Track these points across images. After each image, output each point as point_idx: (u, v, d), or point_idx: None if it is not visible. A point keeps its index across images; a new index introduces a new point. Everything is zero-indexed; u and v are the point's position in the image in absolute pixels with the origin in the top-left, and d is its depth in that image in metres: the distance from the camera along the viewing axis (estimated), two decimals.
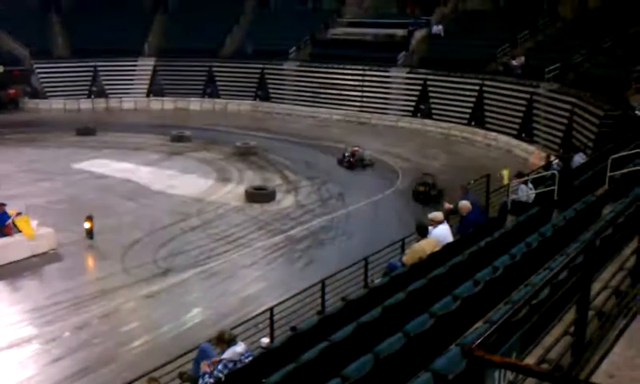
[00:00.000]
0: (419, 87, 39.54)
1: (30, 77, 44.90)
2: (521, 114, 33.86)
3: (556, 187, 12.83)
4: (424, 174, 26.22)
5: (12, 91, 43.69)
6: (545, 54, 35.68)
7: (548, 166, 21.68)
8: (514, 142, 33.07)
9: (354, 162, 29.76)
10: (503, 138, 33.88)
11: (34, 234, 19.32)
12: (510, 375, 3.62)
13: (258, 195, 24.79)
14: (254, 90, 45.36)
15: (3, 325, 15.12)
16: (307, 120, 41.30)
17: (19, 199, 22.83)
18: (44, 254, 19.22)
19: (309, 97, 43.08)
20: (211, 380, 7.73)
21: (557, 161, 20.46)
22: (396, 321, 7.00)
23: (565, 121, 30.07)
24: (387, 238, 15.20)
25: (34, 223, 19.96)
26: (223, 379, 7.54)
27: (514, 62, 36.23)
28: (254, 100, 45.20)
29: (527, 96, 33.57)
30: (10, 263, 18.40)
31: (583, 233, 8.02)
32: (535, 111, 32.97)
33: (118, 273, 18.19)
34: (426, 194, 24.54)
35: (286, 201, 25.01)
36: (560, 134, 30.23)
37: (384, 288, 9.10)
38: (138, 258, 19.18)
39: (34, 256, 18.96)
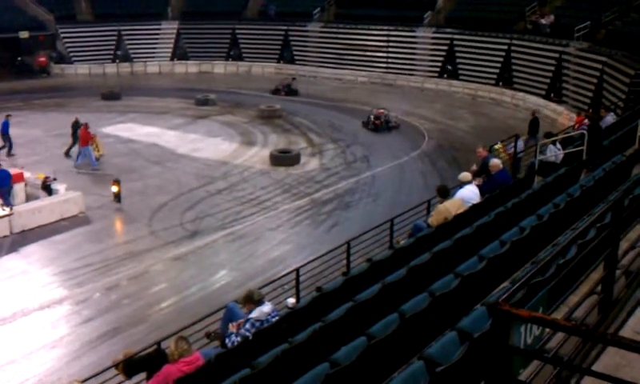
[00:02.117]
0: (446, 47, 38.94)
1: (55, 42, 45.04)
2: (550, 74, 33.24)
3: (585, 147, 12.62)
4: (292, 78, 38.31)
5: (42, 59, 43.65)
6: (575, 11, 34.83)
7: (534, 121, 23.28)
8: (542, 102, 32.50)
9: (379, 124, 29.56)
10: (531, 99, 33.30)
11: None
12: (536, 331, 3.60)
13: (283, 158, 24.81)
14: (277, 52, 45.10)
15: (35, 286, 15.47)
16: (332, 82, 41.02)
17: (47, 164, 23.30)
18: (73, 217, 19.52)
19: (333, 58, 42.72)
20: (238, 338, 7.82)
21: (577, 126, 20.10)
22: (422, 279, 7.01)
23: (595, 80, 29.48)
24: (413, 200, 15.14)
25: (62, 187, 20.29)
26: (250, 338, 7.63)
27: (543, 21, 35.44)
28: (278, 62, 44.98)
29: (556, 55, 32.91)
30: (40, 226, 18.76)
31: (612, 193, 7.91)
32: (565, 71, 32.33)
33: (145, 235, 18.44)
34: (288, 90, 37.20)
35: (310, 164, 25.00)
36: (590, 93, 29.66)
37: (409, 249, 9.10)
38: (166, 220, 19.40)
39: (63, 219, 19.27)
